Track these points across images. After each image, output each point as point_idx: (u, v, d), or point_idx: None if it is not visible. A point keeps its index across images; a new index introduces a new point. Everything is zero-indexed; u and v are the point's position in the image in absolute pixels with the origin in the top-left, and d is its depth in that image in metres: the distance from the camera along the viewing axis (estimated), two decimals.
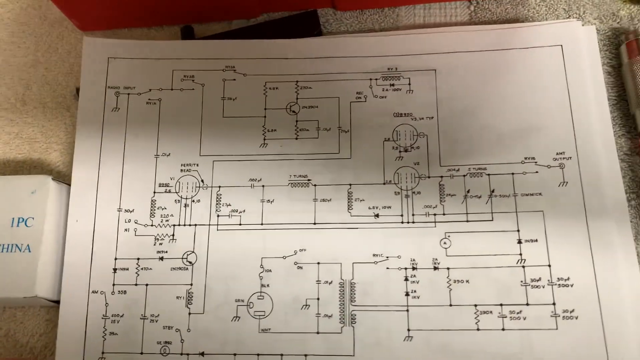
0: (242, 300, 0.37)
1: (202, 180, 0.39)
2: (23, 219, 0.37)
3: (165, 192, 0.39)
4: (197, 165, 0.40)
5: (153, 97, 0.41)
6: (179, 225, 0.39)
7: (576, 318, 0.34)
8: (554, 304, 0.35)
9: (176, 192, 0.39)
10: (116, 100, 0.41)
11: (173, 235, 0.38)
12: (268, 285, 0.37)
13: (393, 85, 0.40)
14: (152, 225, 0.39)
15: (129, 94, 0.41)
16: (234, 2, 0.42)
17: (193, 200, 0.39)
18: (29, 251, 0.36)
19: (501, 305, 0.35)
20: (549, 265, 0.35)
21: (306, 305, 0.36)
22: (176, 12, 0.44)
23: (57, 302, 0.38)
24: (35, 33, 0.46)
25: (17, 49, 0.46)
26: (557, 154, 0.37)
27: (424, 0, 0.43)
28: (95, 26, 0.45)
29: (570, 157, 0.37)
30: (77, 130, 0.41)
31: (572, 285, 0.35)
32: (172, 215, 0.39)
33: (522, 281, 0.35)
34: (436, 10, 0.44)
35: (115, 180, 0.40)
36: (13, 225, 0.37)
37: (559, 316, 0.34)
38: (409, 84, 0.40)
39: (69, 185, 0.40)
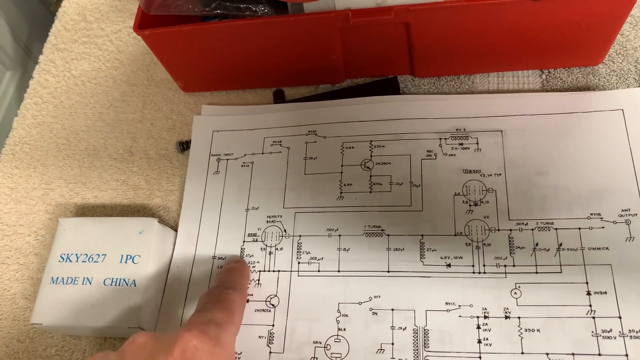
0: (320, 342, 0.39)
1: (285, 230, 0.43)
2: (131, 257, 0.41)
3: (253, 241, 0.43)
4: (281, 217, 0.43)
5: (247, 160, 0.46)
6: (264, 271, 0.42)
7: None
8: (626, 355, 0.35)
9: (262, 241, 0.43)
10: (217, 165, 0.46)
11: (259, 280, 0.42)
12: (344, 329, 0.39)
13: (462, 144, 0.43)
14: None
15: (227, 159, 0.46)
16: (321, 69, 0.47)
17: (277, 248, 0.42)
18: (135, 285, 0.40)
19: (573, 354, 0.36)
20: (620, 317, 0.36)
21: (381, 349, 0.38)
22: (269, 77, 0.49)
23: None
24: (143, 93, 0.52)
25: (127, 107, 0.52)
26: (622, 210, 0.39)
27: (497, 68, 0.46)
28: (195, 88, 0.51)
29: (636, 214, 0.39)
30: (185, 192, 0.46)
31: None
32: (258, 262, 0.42)
33: (592, 332, 0.36)
34: (509, 78, 0.46)
35: (212, 233, 0.44)
36: (122, 262, 0.41)
37: None
38: (477, 144, 0.43)
39: (171, 227, 0.44)
